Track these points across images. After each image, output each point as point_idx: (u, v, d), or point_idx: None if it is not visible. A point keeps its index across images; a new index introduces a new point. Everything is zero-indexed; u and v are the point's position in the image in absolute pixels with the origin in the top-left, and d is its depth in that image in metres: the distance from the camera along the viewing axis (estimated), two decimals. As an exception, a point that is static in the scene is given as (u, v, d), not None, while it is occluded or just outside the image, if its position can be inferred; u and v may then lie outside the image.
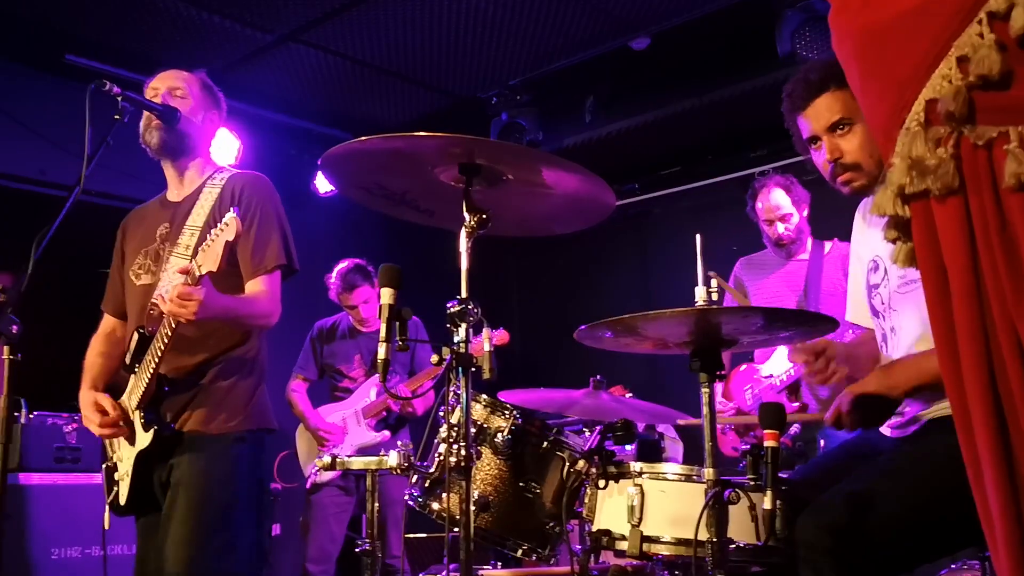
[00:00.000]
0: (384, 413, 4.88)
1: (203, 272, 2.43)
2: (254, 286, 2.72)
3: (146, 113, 2.80)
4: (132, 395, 2.68)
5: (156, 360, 2.59)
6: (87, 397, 2.75)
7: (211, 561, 2.57)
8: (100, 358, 2.90)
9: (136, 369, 2.68)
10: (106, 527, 2.77)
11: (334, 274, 4.94)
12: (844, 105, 2.23)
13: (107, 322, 3.00)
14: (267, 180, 2.87)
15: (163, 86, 2.86)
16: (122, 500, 2.72)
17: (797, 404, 3.78)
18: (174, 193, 2.92)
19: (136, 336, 2.68)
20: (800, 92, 2.31)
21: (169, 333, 2.54)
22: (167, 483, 2.65)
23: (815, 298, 3.96)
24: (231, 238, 2.40)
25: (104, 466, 2.83)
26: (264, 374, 2.85)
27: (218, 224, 2.45)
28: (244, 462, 2.71)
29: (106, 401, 2.71)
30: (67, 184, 3.18)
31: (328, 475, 4.72)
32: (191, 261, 2.51)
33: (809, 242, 4.14)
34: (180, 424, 2.67)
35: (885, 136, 1.17)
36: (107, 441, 2.82)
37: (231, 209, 2.51)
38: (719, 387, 4.08)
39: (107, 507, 2.80)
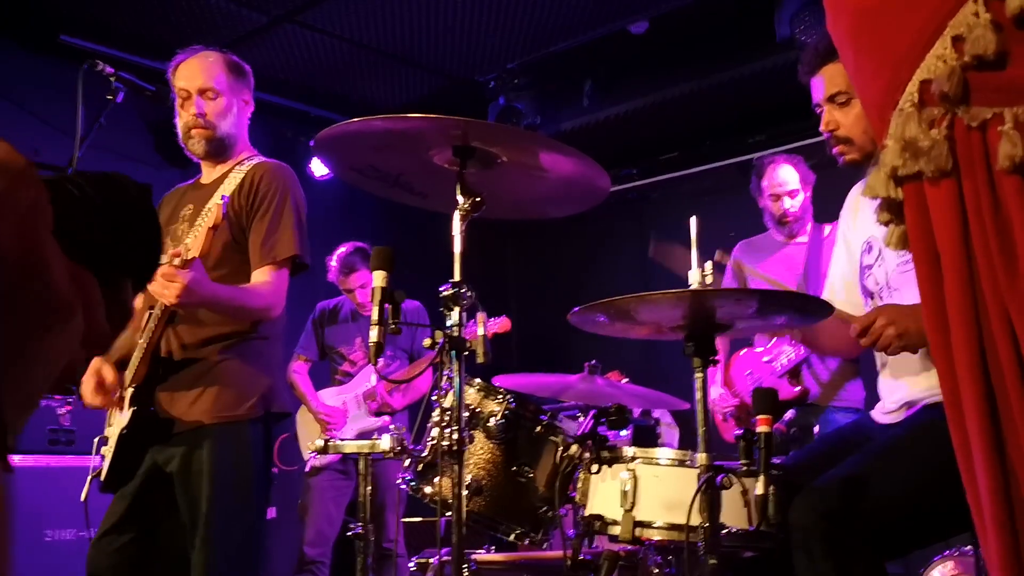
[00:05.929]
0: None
1: (191, 256, 2.38)
2: (259, 276, 2.66)
3: (186, 124, 2.74)
4: (130, 371, 2.65)
5: (149, 339, 2.56)
6: (95, 364, 2.70)
7: (232, 554, 2.56)
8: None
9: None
10: (82, 498, 2.68)
11: (334, 257, 4.91)
12: (844, 78, 2.25)
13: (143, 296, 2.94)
14: (289, 170, 2.81)
15: (193, 88, 2.73)
16: (103, 476, 2.67)
17: (798, 388, 3.77)
18: (206, 175, 2.88)
19: (147, 315, 2.63)
20: (808, 59, 2.36)
21: (159, 315, 2.52)
22: (172, 468, 2.60)
23: (815, 281, 3.94)
24: (212, 224, 2.38)
25: (99, 437, 2.77)
26: (280, 354, 2.80)
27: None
28: (258, 447, 2.66)
29: (108, 371, 2.67)
30: (60, 165, 3.16)
31: (327, 458, 4.68)
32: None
33: (809, 225, 4.12)
34: (188, 406, 2.61)
35: (879, 116, 1.16)
36: (108, 412, 2.77)
37: (233, 196, 2.49)
38: (719, 375, 4.05)
39: (89, 479, 2.72)
